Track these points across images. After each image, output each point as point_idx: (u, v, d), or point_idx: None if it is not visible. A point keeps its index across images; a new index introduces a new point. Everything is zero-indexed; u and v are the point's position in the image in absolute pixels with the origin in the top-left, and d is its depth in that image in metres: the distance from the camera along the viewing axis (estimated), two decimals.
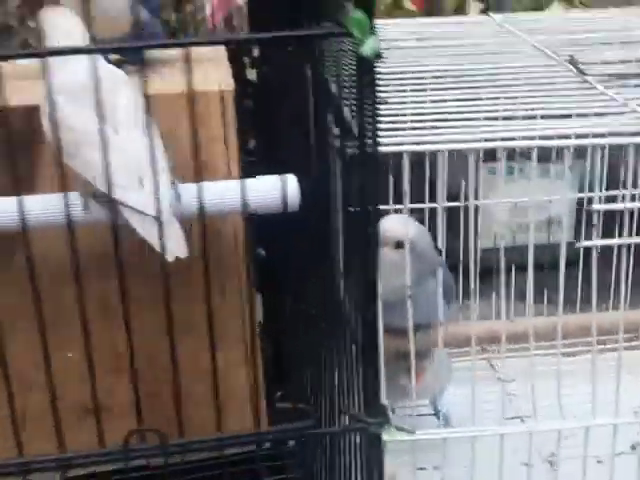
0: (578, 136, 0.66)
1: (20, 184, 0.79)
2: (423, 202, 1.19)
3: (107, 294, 0.95)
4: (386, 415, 0.50)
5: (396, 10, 1.53)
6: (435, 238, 0.95)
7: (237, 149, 0.98)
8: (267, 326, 1.23)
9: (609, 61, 0.87)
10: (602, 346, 1.24)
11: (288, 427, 0.52)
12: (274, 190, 0.81)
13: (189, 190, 0.81)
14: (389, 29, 1.13)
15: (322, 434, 0.55)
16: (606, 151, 1.09)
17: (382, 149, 0.68)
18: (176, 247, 0.72)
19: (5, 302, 0.83)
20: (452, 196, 1.16)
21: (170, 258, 0.72)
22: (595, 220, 0.67)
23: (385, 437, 0.57)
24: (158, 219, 0.70)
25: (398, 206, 0.84)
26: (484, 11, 1.53)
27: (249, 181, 0.83)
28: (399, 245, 0.89)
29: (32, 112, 0.84)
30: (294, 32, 0.45)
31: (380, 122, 0.69)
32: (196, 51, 0.91)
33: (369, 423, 0.50)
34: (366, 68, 0.44)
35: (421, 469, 0.98)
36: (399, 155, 0.69)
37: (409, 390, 0.99)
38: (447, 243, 1.07)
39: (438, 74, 0.89)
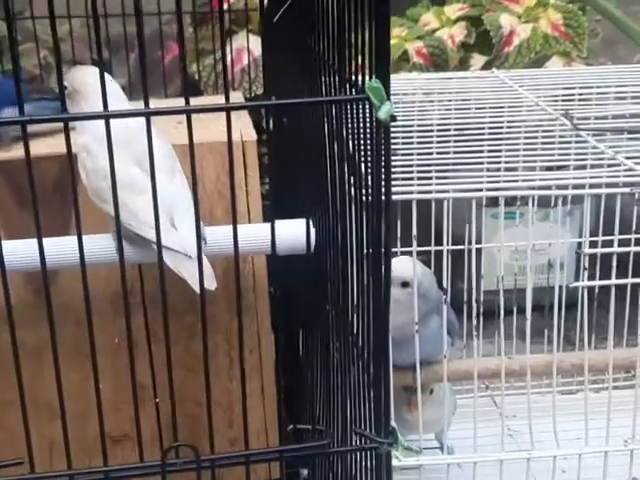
0: (559, 187, 0.72)
1: (59, 227, 0.85)
2: (429, 245, 1.25)
3: (132, 328, 1.01)
4: (395, 435, 0.56)
5: (403, 63, 1.61)
6: (440, 279, 1.00)
7: (259, 197, 1.04)
8: (282, 361, 1.28)
9: (601, 116, 0.93)
10: (595, 385, 1.30)
11: (307, 445, 0.57)
12: (295, 233, 0.87)
13: (216, 232, 0.88)
14: (397, 83, 1.21)
15: (336, 452, 0.61)
16: (602, 198, 1.16)
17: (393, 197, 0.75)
18: (206, 281, 0.78)
19: (39, 336, 0.88)
20: (456, 240, 1.23)
21: (198, 290, 0.77)
22: (585, 263, 0.73)
23: (395, 456, 0.63)
24: (189, 256, 0.77)
25: (407, 249, 0.90)
26: (488, 63, 1.60)
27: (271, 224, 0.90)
28: (404, 284, 0.95)
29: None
30: (314, 99, 0.52)
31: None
32: (218, 100, 0.99)
33: (380, 442, 0.55)
34: (382, 129, 0.51)
35: None
36: (407, 202, 0.75)
37: (411, 423, 1.04)
38: (452, 285, 1.13)
39: (443, 127, 0.95)
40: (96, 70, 0.93)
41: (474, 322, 0.91)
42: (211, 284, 0.81)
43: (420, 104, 1.09)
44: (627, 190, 0.71)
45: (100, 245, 0.85)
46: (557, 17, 1.62)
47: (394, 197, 0.71)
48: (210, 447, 0.59)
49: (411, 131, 1.01)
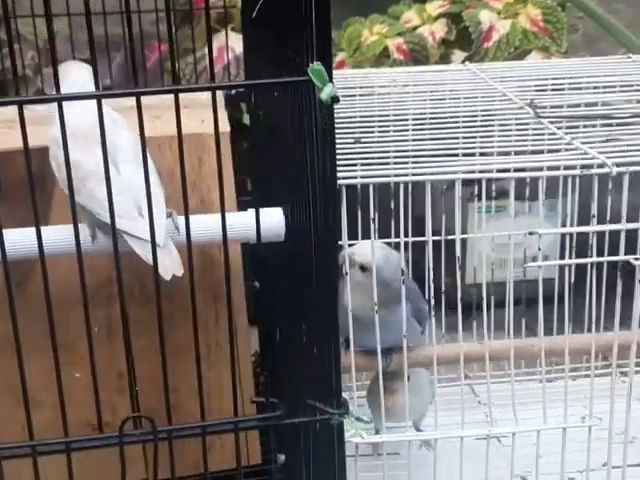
0: (516, 170, 0.74)
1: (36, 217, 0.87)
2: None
3: (110, 319, 1.03)
4: (346, 407, 0.58)
5: (384, 60, 1.63)
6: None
7: (232, 186, 1.06)
8: (263, 356, 1.30)
9: (563, 104, 0.96)
10: (573, 373, 1.33)
11: (260, 416, 0.60)
12: (265, 221, 0.89)
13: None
14: (377, 77, 1.24)
15: (289, 424, 0.63)
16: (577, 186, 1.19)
17: (364, 181, 0.78)
18: (172, 267, 0.80)
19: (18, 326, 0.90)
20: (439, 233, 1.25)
21: (167, 277, 0.80)
22: (540, 244, 0.75)
23: (359, 434, 0.65)
24: (154, 243, 0.79)
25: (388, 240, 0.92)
26: (468, 59, 1.62)
27: (240, 214, 0.92)
28: (363, 269, 0.97)
29: (45, 153, 0.93)
30: (257, 81, 0.54)
31: (359, 158, 0.78)
32: (195, 97, 1.02)
33: (331, 413, 0.58)
34: (325, 111, 0.53)
35: None
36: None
37: (389, 410, 1.06)
38: (435, 277, 1.15)
39: (419, 116, 0.98)
40: (77, 62, 0.96)
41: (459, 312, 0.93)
42: (178, 271, 0.83)
43: (397, 95, 1.12)
44: (578, 172, 0.74)
45: (75, 235, 0.87)
46: (536, 13, 1.65)
47: (362, 181, 0.75)
48: (167, 419, 0.61)
49: (387, 121, 1.04)
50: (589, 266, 1.19)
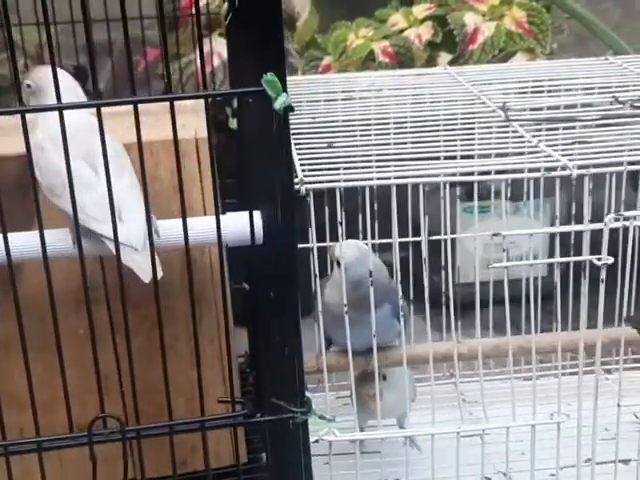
0: (481, 173, 0.76)
1: (21, 223, 0.89)
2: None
3: (95, 321, 1.05)
4: (309, 405, 0.60)
5: (370, 63, 1.65)
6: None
7: (212, 190, 1.08)
8: (252, 357, 1.32)
9: (535, 107, 0.97)
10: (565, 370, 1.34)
11: (226, 415, 0.62)
12: (240, 225, 0.91)
13: (167, 225, 0.92)
14: (357, 81, 1.26)
15: (255, 422, 0.65)
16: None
17: (345, 184, 0.80)
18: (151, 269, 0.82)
19: (6, 329, 0.92)
20: (432, 234, 1.27)
21: (146, 279, 0.82)
22: (505, 245, 0.77)
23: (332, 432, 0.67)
24: (135, 248, 0.81)
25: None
26: (453, 61, 1.64)
27: (212, 218, 0.94)
28: (339, 264, 0.99)
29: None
30: (214, 92, 0.56)
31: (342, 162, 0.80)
32: (181, 103, 1.03)
33: (294, 411, 0.60)
34: (280, 120, 0.55)
35: None
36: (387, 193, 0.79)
37: (371, 410, 1.08)
38: (428, 278, 1.17)
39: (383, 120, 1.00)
40: (60, 70, 0.98)
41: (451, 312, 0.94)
42: (161, 272, 0.85)
43: (376, 99, 1.14)
44: (539, 175, 0.76)
45: (58, 239, 0.89)
46: (521, 15, 1.66)
47: (344, 184, 0.77)
48: (136, 418, 0.63)
49: (370, 124, 1.06)
50: (572, 265, 1.22)
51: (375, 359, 0.91)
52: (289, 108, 0.54)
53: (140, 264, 0.81)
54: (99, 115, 0.66)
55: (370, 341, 0.99)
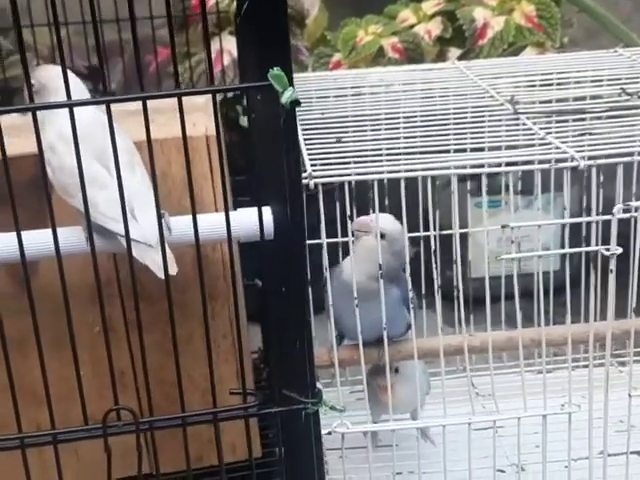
0: (491, 166, 0.77)
1: (35, 221, 0.90)
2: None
3: (110, 318, 1.06)
4: (320, 396, 0.61)
5: (380, 59, 1.66)
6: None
7: (222, 187, 1.09)
8: (266, 353, 1.33)
9: (544, 100, 0.98)
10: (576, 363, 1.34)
11: (238, 406, 0.62)
12: (250, 221, 0.92)
13: (179, 221, 0.93)
14: (367, 77, 1.26)
15: (266, 414, 0.66)
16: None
17: (354, 178, 0.81)
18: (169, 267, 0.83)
19: (21, 326, 0.93)
20: (444, 229, 1.27)
21: (162, 275, 0.82)
22: (514, 237, 0.77)
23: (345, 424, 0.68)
24: (149, 245, 0.82)
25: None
26: (462, 56, 1.64)
27: (231, 213, 0.94)
28: (382, 236, 0.99)
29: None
30: (222, 87, 0.57)
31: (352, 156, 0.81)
32: (188, 100, 1.04)
33: (305, 402, 0.60)
34: (287, 114, 0.56)
35: (398, 474, 1.08)
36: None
37: (384, 404, 1.09)
38: (441, 273, 1.17)
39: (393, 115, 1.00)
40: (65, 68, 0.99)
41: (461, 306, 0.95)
42: (172, 269, 0.86)
43: (386, 95, 1.15)
44: (548, 166, 0.76)
45: (72, 236, 0.90)
46: (530, 9, 1.66)
47: (356, 178, 0.78)
48: (149, 410, 0.63)
49: (379, 119, 1.07)
50: (583, 256, 1.22)
51: (386, 350, 0.91)
52: (296, 102, 0.55)
53: (156, 260, 0.82)
54: (109, 112, 0.67)
55: (380, 330, 0.99)
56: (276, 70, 0.54)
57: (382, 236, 1.01)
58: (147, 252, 0.86)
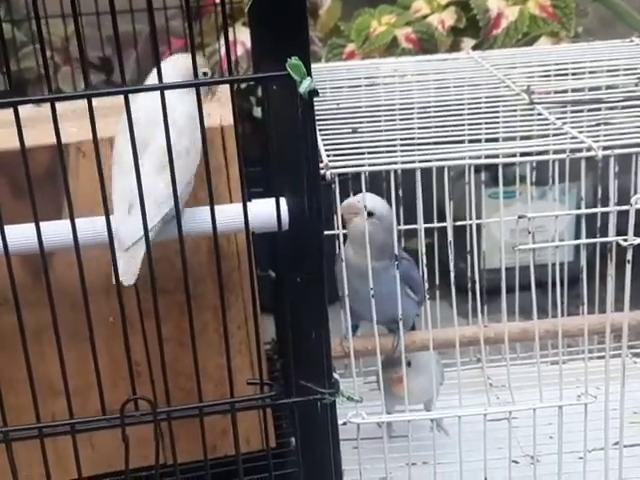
0: (506, 156, 0.76)
1: (51, 212, 0.90)
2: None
3: (125, 309, 1.07)
4: (337, 387, 0.61)
5: (394, 50, 1.65)
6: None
7: (240, 177, 1.09)
8: (280, 345, 1.33)
9: (559, 90, 0.97)
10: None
11: (255, 397, 0.63)
12: (266, 212, 0.92)
13: (193, 212, 0.93)
14: (380, 67, 1.26)
15: (283, 404, 0.66)
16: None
17: (370, 169, 0.81)
18: (124, 275, 0.80)
19: (37, 317, 0.94)
20: (458, 220, 1.27)
21: (125, 282, 0.80)
22: (531, 228, 0.77)
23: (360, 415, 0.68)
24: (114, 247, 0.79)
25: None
26: (476, 46, 1.63)
27: (239, 205, 0.94)
28: (370, 214, 0.99)
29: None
30: (237, 77, 0.57)
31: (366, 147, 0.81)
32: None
33: (322, 393, 0.60)
34: (305, 104, 0.55)
35: (412, 464, 1.08)
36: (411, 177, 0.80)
37: (398, 395, 1.09)
38: (454, 264, 1.17)
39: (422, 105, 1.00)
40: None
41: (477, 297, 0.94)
42: (129, 279, 0.82)
43: (400, 85, 1.14)
44: (564, 156, 0.76)
45: (87, 227, 0.90)
46: None
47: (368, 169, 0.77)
48: (166, 400, 0.64)
49: (394, 109, 1.06)
50: (598, 247, 1.21)
51: (401, 337, 0.91)
52: (314, 92, 0.54)
53: (120, 264, 0.78)
54: (126, 102, 0.67)
55: (388, 310, 0.99)
56: (294, 59, 0.54)
57: (371, 214, 1.01)
58: (119, 252, 0.81)
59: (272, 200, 0.93)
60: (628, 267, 0.79)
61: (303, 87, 0.54)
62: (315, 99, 0.56)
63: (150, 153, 0.85)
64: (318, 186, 0.59)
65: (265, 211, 0.92)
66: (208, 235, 0.92)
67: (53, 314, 0.65)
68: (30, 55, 1.57)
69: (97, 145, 0.66)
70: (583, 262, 1.10)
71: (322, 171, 0.78)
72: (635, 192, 1.02)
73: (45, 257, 0.76)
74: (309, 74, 0.55)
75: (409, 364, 1.07)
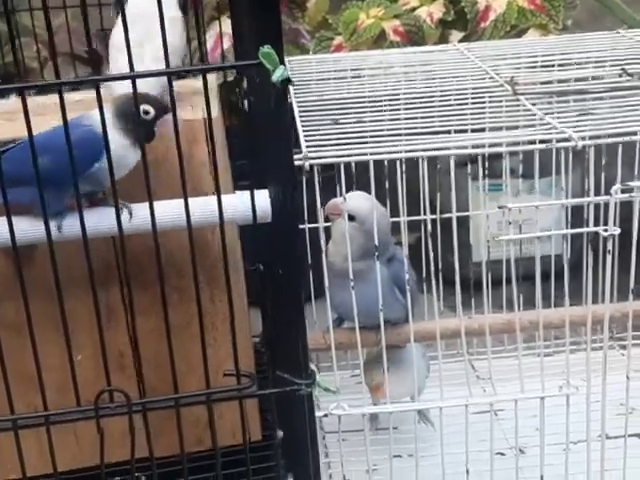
0: (492, 145, 0.76)
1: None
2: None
3: (109, 300, 1.06)
4: (314, 377, 0.60)
5: (382, 42, 1.65)
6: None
7: (227, 170, 1.08)
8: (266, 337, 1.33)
9: (545, 81, 0.97)
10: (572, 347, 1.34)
11: (231, 388, 0.62)
12: (249, 204, 0.91)
13: (175, 205, 0.92)
14: (367, 59, 1.26)
15: (260, 395, 0.66)
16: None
17: (349, 159, 0.80)
18: None
19: (20, 310, 0.93)
20: (444, 213, 1.27)
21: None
22: (509, 217, 0.77)
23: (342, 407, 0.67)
24: None
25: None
26: (464, 39, 1.63)
27: (228, 196, 0.94)
28: (351, 217, 0.99)
29: None
30: (209, 65, 0.56)
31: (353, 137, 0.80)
32: (184, 84, 1.03)
33: (298, 384, 0.60)
34: (278, 93, 0.55)
35: (397, 457, 1.08)
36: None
37: (376, 399, 1.08)
38: (442, 258, 1.17)
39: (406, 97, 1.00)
40: None
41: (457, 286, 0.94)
42: None
43: (385, 77, 1.14)
44: (543, 146, 0.75)
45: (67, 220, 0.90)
46: None
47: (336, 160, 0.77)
48: (141, 392, 0.63)
49: (380, 101, 1.06)
50: (585, 238, 1.21)
51: (382, 333, 0.91)
52: (287, 81, 0.54)
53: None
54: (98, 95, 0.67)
55: (368, 302, 0.98)
56: (266, 48, 0.54)
57: (352, 218, 1.01)
58: None
59: (256, 192, 0.93)
60: (608, 258, 0.79)
61: (276, 76, 0.54)
62: (299, 91, 0.55)
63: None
64: (293, 177, 0.59)
65: (248, 203, 0.92)
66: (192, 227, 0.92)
67: (26, 306, 0.65)
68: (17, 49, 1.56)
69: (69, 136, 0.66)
70: (566, 253, 1.10)
71: (300, 162, 0.78)
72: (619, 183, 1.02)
73: (26, 250, 0.75)
74: (282, 63, 0.54)
75: (388, 369, 1.07)
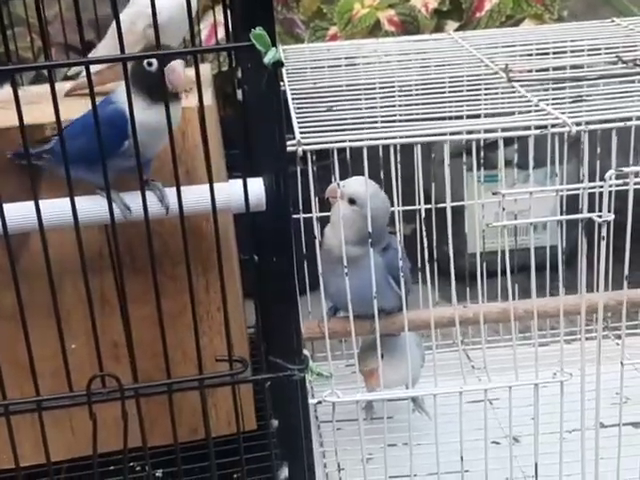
0: (486, 131, 0.76)
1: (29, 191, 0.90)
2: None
3: (103, 290, 1.06)
4: (306, 363, 0.60)
5: (377, 32, 1.64)
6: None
7: (221, 159, 1.08)
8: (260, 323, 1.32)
9: (540, 69, 0.97)
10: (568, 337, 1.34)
11: (224, 373, 0.62)
12: (242, 192, 0.91)
13: (170, 193, 0.92)
14: (362, 48, 1.26)
15: (253, 380, 0.65)
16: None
17: (342, 145, 0.80)
18: None
19: (13, 297, 0.93)
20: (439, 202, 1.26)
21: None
22: (504, 206, 0.76)
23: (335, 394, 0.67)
24: None
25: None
26: (460, 29, 1.62)
27: (222, 184, 0.94)
28: (352, 201, 0.99)
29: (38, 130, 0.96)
30: (201, 48, 0.56)
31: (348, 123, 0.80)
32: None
33: (291, 369, 0.60)
34: (269, 75, 0.55)
35: (392, 445, 1.08)
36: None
37: (371, 387, 1.07)
38: (437, 248, 1.17)
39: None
40: None
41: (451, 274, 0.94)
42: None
43: (379, 65, 1.14)
44: (538, 132, 0.75)
45: (61, 208, 0.90)
46: None
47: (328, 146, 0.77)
48: (133, 377, 0.63)
49: (374, 88, 1.06)
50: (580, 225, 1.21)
51: (377, 321, 0.90)
52: (278, 63, 0.54)
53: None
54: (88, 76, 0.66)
55: (366, 300, 0.97)
56: (258, 30, 0.53)
57: (353, 201, 1.00)
58: None
59: (250, 180, 0.93)
60: (602, 244, 0.79)
61: (268, 58, 0.53)
62: (293, 79, 0.55)
63: None
64: (286, 163, 0.59)
65: (242, 191, 0.92)
66: (186, 215, 0.92)
67: (18, 294, 0.64)
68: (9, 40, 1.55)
69: (60, 122, 0.66)
70: (560, 242, 1.10)
71: (294, 148, 0.77)
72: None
73: (20, 238, 0.75)
74: (274, 45, 0.54)
75: (382, 356, 1.07)
